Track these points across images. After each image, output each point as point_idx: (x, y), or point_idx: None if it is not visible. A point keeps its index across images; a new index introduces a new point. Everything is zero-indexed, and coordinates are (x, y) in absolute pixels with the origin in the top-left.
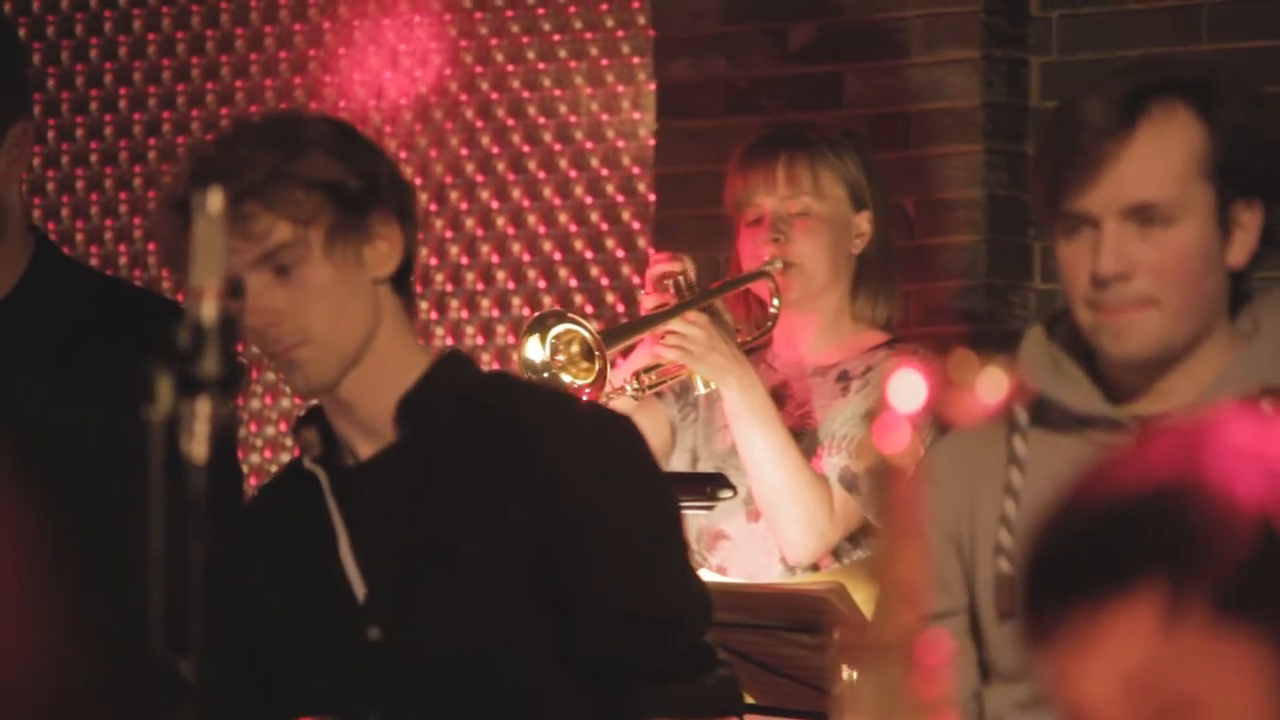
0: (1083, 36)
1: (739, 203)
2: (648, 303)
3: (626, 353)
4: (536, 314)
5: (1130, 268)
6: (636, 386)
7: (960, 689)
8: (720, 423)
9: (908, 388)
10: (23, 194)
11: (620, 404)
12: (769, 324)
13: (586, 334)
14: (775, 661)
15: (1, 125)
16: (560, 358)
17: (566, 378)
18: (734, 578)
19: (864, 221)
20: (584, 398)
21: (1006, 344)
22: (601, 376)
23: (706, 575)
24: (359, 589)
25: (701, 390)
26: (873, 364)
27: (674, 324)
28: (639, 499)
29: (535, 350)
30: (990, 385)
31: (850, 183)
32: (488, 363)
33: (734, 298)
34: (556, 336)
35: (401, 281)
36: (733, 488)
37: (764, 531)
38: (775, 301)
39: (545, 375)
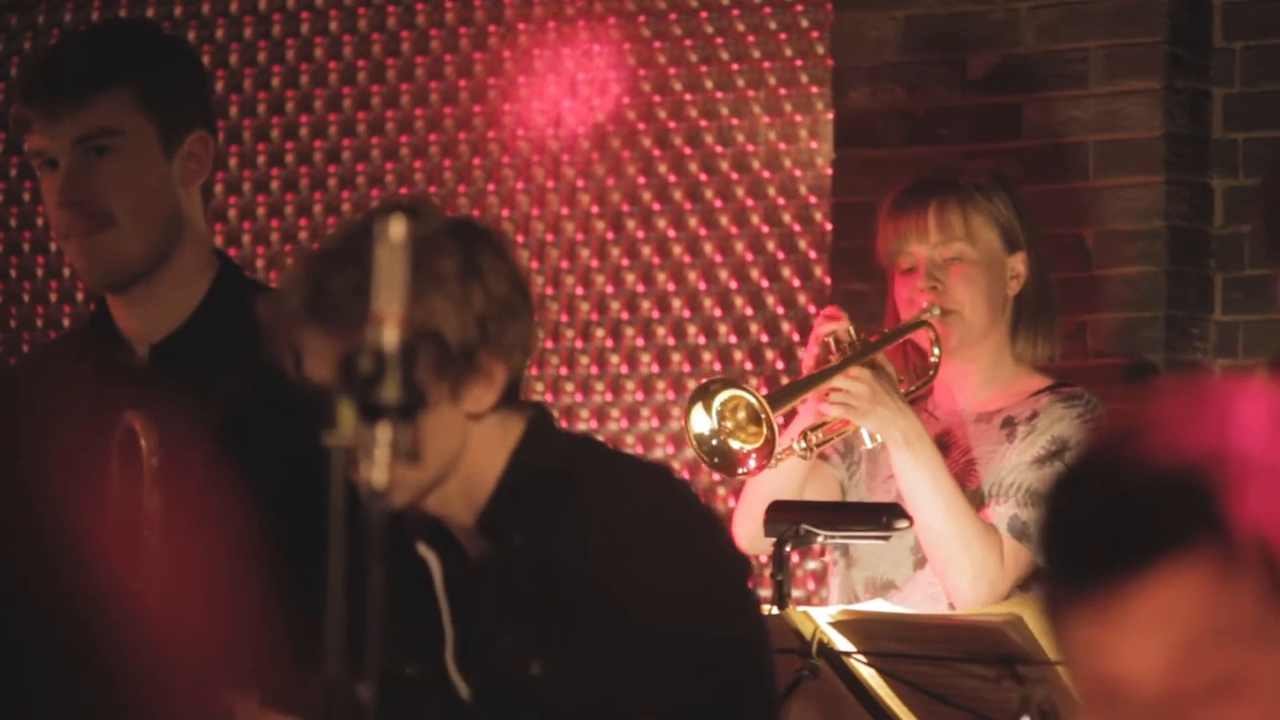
0: (1267, 67)
1: (891, 252)
2: (808, 359)
3: (793, 413)
4: (701, 383)
5: None
6: (804, 446)
7: None
8: (885, 473)
9: None
10: (204, 215)
11: (790, 464)
12: (931, 373)
13: (752, 399)
14: (949, 693)
15: (178, 131)
16: (728, 424)
17: (735, 444)
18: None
19: (1018, 263)
20: (660, 478)
21: (1185, 376)
22: (770, 440)
23: (881, 606)
24: (462, 688)
25: (868, 444)
26: (1038, 409)
27: (837, 381)
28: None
29: (701, 420)
30: None
31: (1002, 225)
32: (663, 391)
33: (893, 348)
34: (722, 404)
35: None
36: (908, 518)
37: (930, 578)
38: (936, 351)
39: (715, 443)
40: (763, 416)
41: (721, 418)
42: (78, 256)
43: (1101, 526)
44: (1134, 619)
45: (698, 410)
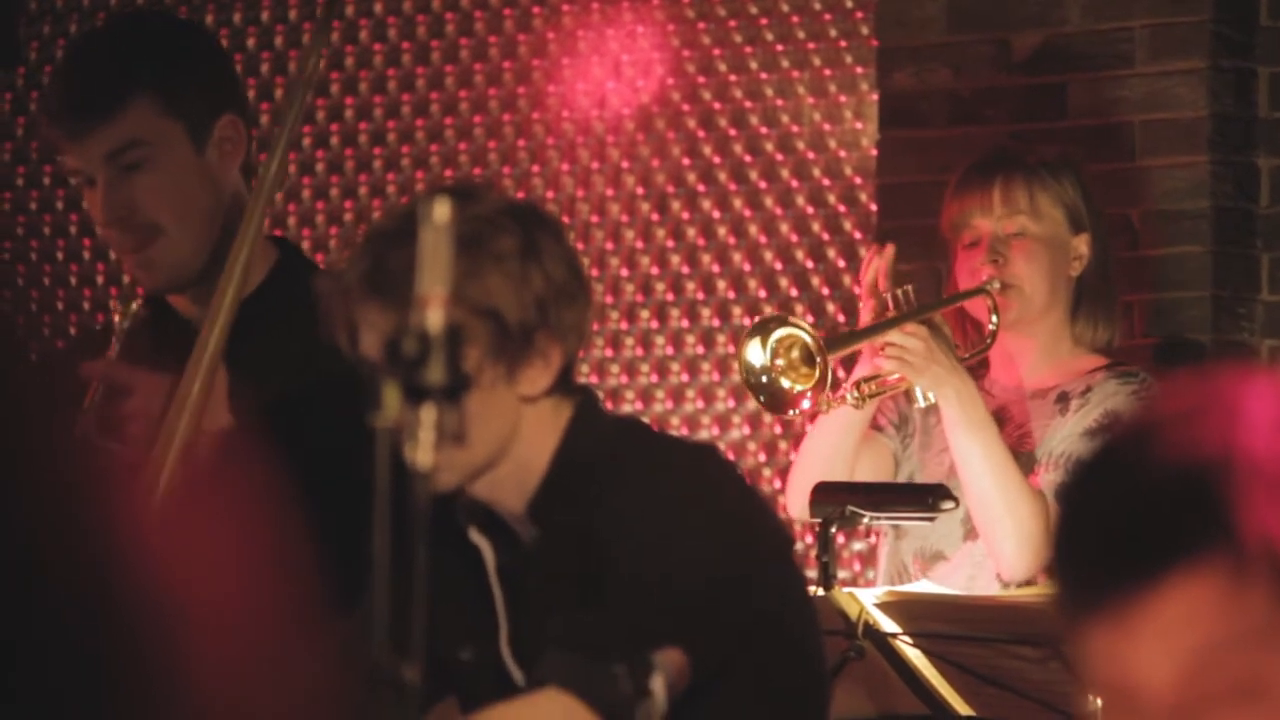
0: None
1: (955, 225)
2: (865, 312)
3: (848, 361)
4: (760, 317)
5: None
6: (856, 395)
7: None
8: (938, 446)
9: None
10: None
11: (844, 422)
12: (988, 341)
13: (808, 338)
14: (996, 674)
15: (205, 122)
16: (780, 362)
17: (786, 382)
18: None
19: (1082, 244)
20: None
21: (1231, 356)
22: (822, 381)
23: (927, 586)
24: (517, 674)
25: (921, 403)
26: (1092, 384)
27: (893, 335)
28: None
29: (756, 353)
30: None
31: (1068, 205)
32: (708, 372)
33: (951, 321)
34: (778, 341)
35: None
36: (954, 499)
37: (981, 551)
38: (994, 319)
39: (765, 379)
40: (817, 358)
41: (775, 355)
42: (135, 270)
43: (1112, 538)
44: (1148, 628)
45: (753, 344)
